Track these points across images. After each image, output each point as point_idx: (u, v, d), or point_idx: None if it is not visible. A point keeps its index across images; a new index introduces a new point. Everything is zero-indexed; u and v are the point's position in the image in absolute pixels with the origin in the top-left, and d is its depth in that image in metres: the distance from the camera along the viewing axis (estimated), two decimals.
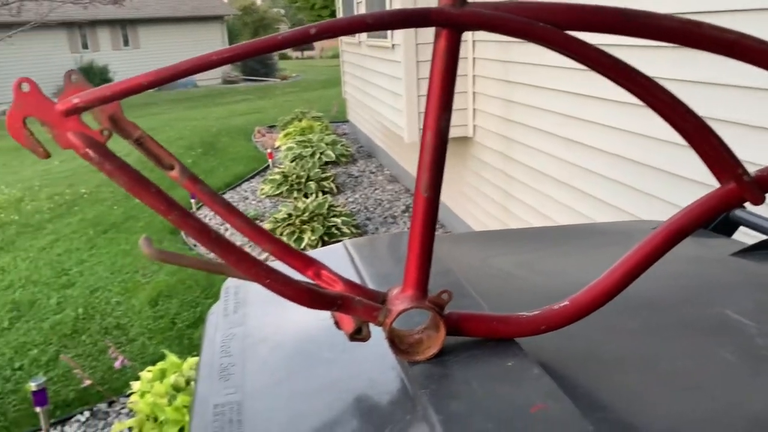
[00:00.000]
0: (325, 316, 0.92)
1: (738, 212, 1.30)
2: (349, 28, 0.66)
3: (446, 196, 5.93)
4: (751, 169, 0.78)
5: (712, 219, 0.80)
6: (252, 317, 1.00)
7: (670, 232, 0.79)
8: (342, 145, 8.82)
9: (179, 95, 19.69)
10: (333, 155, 8.30)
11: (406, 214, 6.58)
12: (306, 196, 6.68)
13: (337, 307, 0.76)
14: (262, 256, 1.25)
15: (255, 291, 1.10)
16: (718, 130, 0.77)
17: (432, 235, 0.79)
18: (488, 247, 1.30)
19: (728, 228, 1.30)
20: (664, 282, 1.05)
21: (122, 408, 3.54)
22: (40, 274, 5.34)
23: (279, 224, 5.53)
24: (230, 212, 0.80)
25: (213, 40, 25.05)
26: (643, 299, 0.97)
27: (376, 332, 0.80)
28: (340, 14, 8.87)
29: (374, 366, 0.81)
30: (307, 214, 5.61)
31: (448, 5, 0.70)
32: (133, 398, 3.11)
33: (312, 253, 1.27)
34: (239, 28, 36.38)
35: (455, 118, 4.99)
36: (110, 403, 3.56)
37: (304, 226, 5.46)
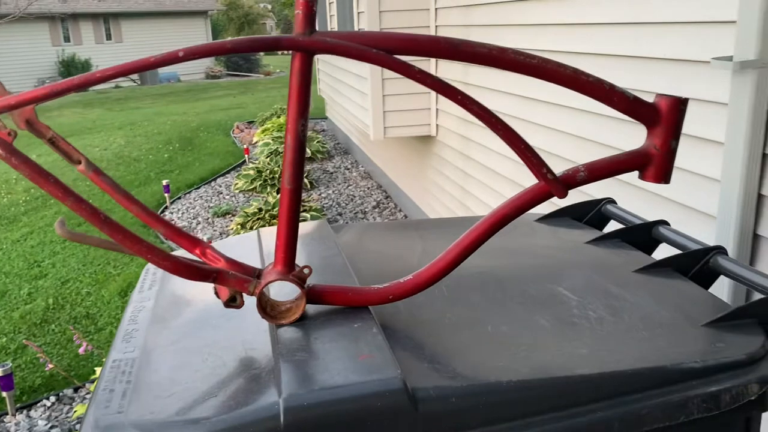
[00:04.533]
0: None
1: (609, 206, 1.48)
2: (211, 51, 0.82)
3: (411, 191, 6.11)
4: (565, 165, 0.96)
5: (528, 209, 0.97)
6: (163, 292, 1.16)
7: (494, 220, 0.97)
8: (318, 142, 8.96)
9: (162, 89, 19.73)
10: (309, 151, 8.45)
11: (377, 210, 6.75)
12: (278, 191, 6.83)
13: (212, 279, 0.92)
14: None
15: None
16: (536, 132, 0.94)
17: (296, 220, 0.96)
18: (386, 234, 1.47)
19: (600, 221, 1.49)
20: (518, 262, 1.23)
21: (87, 393, 3.68)
22: (13, 266, 5.46)
23: (249, 218, 5.68)
24: (130, 201, 0.96)
25: (197, 35, 25.06)
26: (493, 276, 1.15)
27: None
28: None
29: (251, 329, 0.97)
30: (277, 208, 5.76)
31: (299, 34, 0.86)
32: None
33: (231, 238, 1.44)
34: (224, 23, 36.29)
35: (420, 118, 5.17)
36: (76, 389, 3.70)
37: (274, 221, 5.61)
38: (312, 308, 1.00)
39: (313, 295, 0.98)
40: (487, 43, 0.90)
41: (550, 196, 0.96)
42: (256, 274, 0.98)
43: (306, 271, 0.96)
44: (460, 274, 1.07)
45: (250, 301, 1.00)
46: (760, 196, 1.85)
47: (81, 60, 21.82)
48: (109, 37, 23.23)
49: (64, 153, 0.93)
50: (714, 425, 0.89)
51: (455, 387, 0.82)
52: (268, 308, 0.96)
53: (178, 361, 0.92)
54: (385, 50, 0.88)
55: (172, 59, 0.80)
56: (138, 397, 0.83)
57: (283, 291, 1.01)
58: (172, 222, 6.45)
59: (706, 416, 0.86)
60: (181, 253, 1.12)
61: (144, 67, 0.80)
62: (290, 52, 0.89)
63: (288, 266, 0.96)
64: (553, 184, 0.94)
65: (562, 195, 0.95)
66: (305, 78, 0.89)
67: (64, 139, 0.93)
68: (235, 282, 0.94)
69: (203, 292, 1.13)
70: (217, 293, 0.98)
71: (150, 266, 1.30)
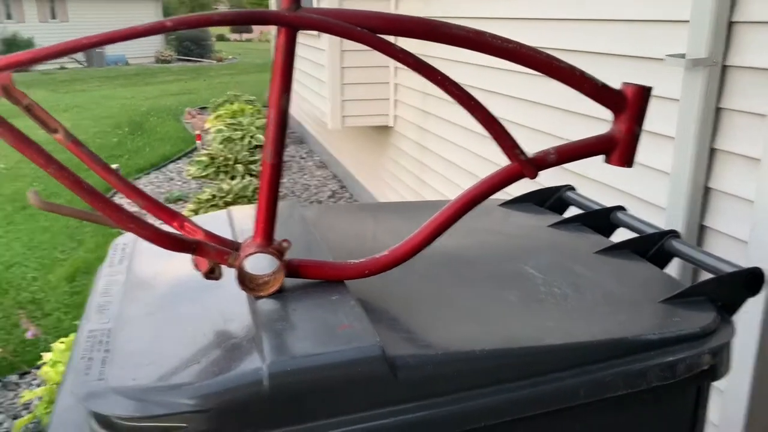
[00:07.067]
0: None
1: (569, 193, 1.54)
2: (199, 22, 0.83)
3: (367, 181, 6.14)
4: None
5: (499, 189, 1.01)
6: (134, 267, 1.16)
7: (466, 200, 1.00)
8: None
9: (109, 72, 19.17)
10: (263, 139, 8.35)
11: (332, 199, 6.75)
12: (233, 178, 6.74)
13: (192, 251, 0.93)
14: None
15: (140, 247, 1.26)
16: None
17: (276, 195, 0.97)
18: (352, 215, 1.50)
19: (561, 207, 1.54)
20: (485, 243, 1.27)
21: (33, 379, 3.58)
22: None
23: (203, 205, 5.59)
24: (108, 171, 0.95)
25: (147, 18, 24.37)
26: (463, 256, 1.19)
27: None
28: None
29: (228, 301, 0.99)
30: (231, 195, 5.70)
31: (284, 9, 0.88)
32: (44, 368, 3.17)
33: (201, 216, 1.44)
34: (175, 6, 35.43)
35: (378, 108, 5.19)
36: (21, 375, 3.60)
37: (228, 208, 5.55)
38: (288, 282, 1.02)
39: (291, 269, 0.99)
40: (466, 26, 0.93)
41: (522, 176, 1.00)
42: (235, 246, 0.99)
43: (285, 244, 0.98)
44: (431, 253, 1.10)
45: (225, 275, 1.01)
46: (707, 189, 1.95)
47: (24, 38, 20.98)
48: (53, 15, 22.39)
49: (40, 121, 0.92)
50: (669, 393, 0.95)
51: (431, 355, 0.85)
52: (246, 280, 0.97)
53: (157, 331, 0.92)
54: (369, 29, 0.90)
55: (160, 28, 0.80)
56: (118, 365, 0.84)
57: (259, 265, 1.03)
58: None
59: (663, 384, 0.92)
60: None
61: (132, 35, 0.80)
62: (268, 30, 0.90)
63: (267, 239, 0.97)
64: (525, 164, 0.98)
65: (533, 175, 0.99)
66: (289, 53, 0.91)
67: (41, 106, 0.92)
68: (215, 254, 0.95)
69: (175, 266, 1.13)
70: (195, 265, 0.99)
71: (119, 242, 1.29)
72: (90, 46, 0.79)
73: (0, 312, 4.22)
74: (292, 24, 0.88)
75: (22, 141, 0.82)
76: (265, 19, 0.87)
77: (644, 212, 2.22)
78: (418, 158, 4.69)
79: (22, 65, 0.79)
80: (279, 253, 0.97)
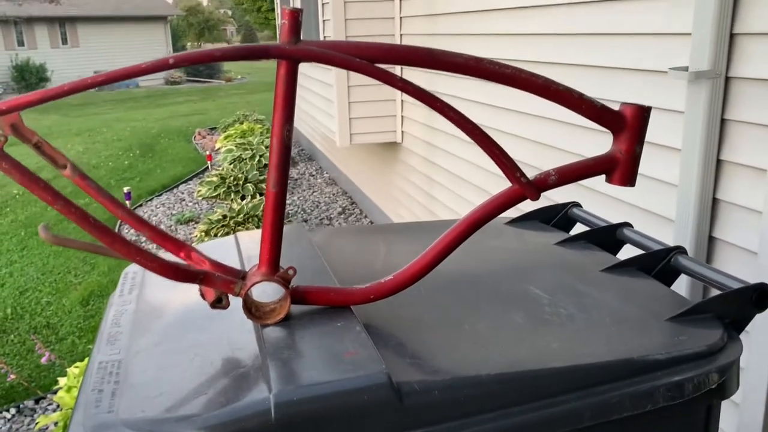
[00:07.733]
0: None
1: (575, 210, 1.54)
2: (201, 59, 0.84)
3: (376, 197, 6.16)
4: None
5: (502, 211, 1.02)
6: (143, 296, 1.18)
7: (469, 223, 1.01)
8: None
9: (120, 95, 19.38)
10: None
11: (342, 216, 6.77)
12: (243, 198, 6.79)
13: (199, 281, 0.94)
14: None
15: (150, 276, 1.27)
16: (500, 139, 0.99)
17: (281, 222, 0.98)
18: (359, 238, 1.50)
19: (567, 224, 1.55)
20: (491, 263, 1.27)
21: (49, 404, 3.60)
22: None
23: (213, 225, 5.63)
24: (115, 204, 0.97)
25: (156, 41, 24.72)
26: (468, 277, 1.20)
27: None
28: (278, 20, 9.01)
29: (235, 329, 1.00)
30: (242, 215, 5.74)
31: (285, 42, 0.89)
32: (60, 393, 3.19)
33: (209, 242, 1.46)
34: (184, 28, 35.86)
35: (385, 125, 5.22)
36: (37, 400, 3.62)
37: (239, 228, 5.59)
38: (295, 308, 1.03)
39: (297, 296, 1.00)
40: (464, 53, 0.95)
41: (524, 198, 1.01)
42: (241, 275, 1.01)
43: (290, 272, 0.99)
44: (437, 275, 1.11)
45: (233, 303, 1.02)
46: (715, 200, 1.95)
47: (35, 65, 21.30)
48: (65, 41, 22.73)
49: (49, 158, 0.94)
50: (678, 413, 0.94)
51: (437, 381, 0.86)
52: (253, 309, 0.98)
53: (165, 361, 0.93)
54: (368, 59, 0.92)
55: (162, 66, 0.82)
56: (128, 397, 0.85)
57: (265, 292, 1.04)
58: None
59: (670, 404, 0.91)
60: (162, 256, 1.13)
61: (135, 74, 0.82)
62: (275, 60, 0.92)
63: (273, 267, 0.99)
64: (526, 187, 0.99)
65: (535, 197, 1.00)
66: (291, 85, 0.92)
67: (49, 144, 0.94)
68: (221, 283, 0.96)
69: (184, 295, 1.15)
70: (202, 295, 1.00)
71: (129, 271, 1.31)
72: (95, 85, 0.81)
73: (15, 337, 4.26)
74: (292, 57, 0.90)
75: (29, 178, 0.84)
76: (267, 53, 0.88)
77: (654, 225, 2.22)
78: (427, 174, 4.71)
79: (30, 105, 0.81)
80: (284, 280, 0.98)
